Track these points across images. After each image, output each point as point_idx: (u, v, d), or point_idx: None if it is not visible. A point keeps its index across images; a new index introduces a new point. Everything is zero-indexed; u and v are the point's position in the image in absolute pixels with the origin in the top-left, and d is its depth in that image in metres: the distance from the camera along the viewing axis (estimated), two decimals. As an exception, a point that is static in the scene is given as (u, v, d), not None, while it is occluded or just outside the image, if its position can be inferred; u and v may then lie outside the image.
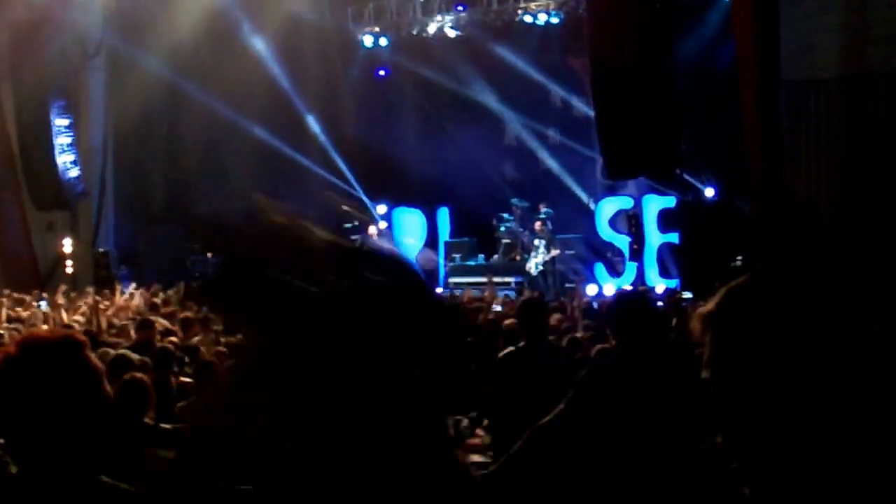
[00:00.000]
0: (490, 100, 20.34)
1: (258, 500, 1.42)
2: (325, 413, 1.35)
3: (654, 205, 17.43)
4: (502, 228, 19.33)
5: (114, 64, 19.65)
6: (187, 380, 6.77)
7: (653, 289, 15.43)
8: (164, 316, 10.49)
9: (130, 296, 14.00)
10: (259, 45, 19.33)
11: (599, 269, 18.14)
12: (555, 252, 17.80)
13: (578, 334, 8.26)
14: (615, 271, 17.99)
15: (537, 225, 18.14)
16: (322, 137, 20.40)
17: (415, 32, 20.32)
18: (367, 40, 20.79)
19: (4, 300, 13.33)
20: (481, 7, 19.55)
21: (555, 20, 18.92)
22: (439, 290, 18.49)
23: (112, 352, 6.50)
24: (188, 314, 10.34)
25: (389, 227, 20.07)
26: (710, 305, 1.41)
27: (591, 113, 16.66)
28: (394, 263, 1.51)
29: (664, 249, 17.01)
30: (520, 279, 17.80)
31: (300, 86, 19.79)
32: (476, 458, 5.75)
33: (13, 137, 19.42)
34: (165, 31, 18.42)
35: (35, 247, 19.59)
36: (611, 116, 15.43)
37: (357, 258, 1.52)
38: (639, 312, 4.57)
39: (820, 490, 1.30)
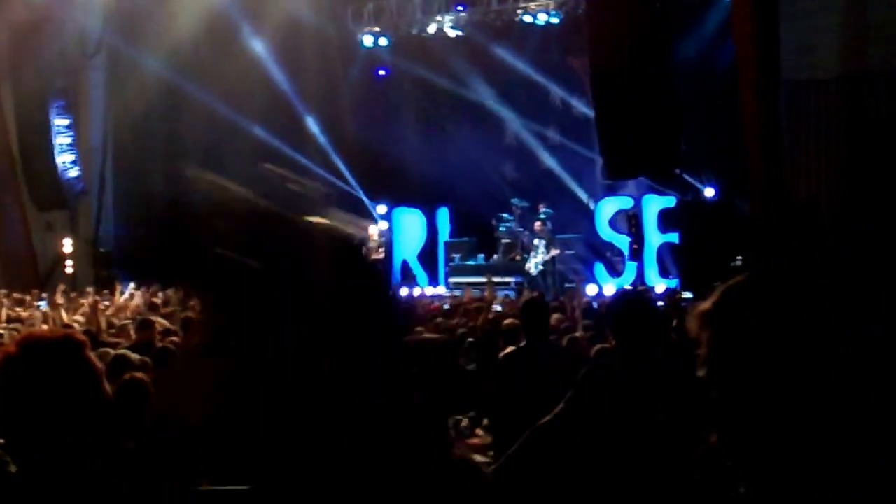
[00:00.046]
0: (490, 100, 20.33)
1: (256, 499, 1.42)
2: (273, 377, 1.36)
3: (654, 205, 17.44)
4: (502, 228, 19.33)
5: (114, 64, 19.66)
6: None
7: (652, 289, 15.43)
8: (164, 316, 10.49)
9: (130, 296, 14.00)
10: (259, 44, 19.32)
11: (599, 269, 18.15)
12: (555, 252, 17.80)
13: (578, 334, 8.26)
14: (615, 271, 18.00)
15: (537, 225, 18.14)
16: (322, 137, 20.39)
17: (414, 32, 20.31)
18: (367, 40, 20.78)
19: (4, 300, 13.34)
20: (481, 7, 19.54)
21: (555, 20, 18.91)
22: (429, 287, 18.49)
23: (112, 352, 6.50)
24: (188, 314, 10.34)
25: (389, 227, 20.09)
26: (707, 304, 1.42)
27: (591, 113, 16.66)
28: (316, 232, 1.52)
29: (664, 249, 17.01)
30: (520, 279, 17.80)
31: (300, 86, 19.79)
32: (476, 458, 5.75)
33: (13, 137, 19.42)
34: (165, 30, 18.42)
35: (35, 247, 19.60)
36: (610, 116, 15.43)
37: (279, 227, 1.52)
38: (638, 312, 4.57)
39: (819, 489, 1.30)
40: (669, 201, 16.78)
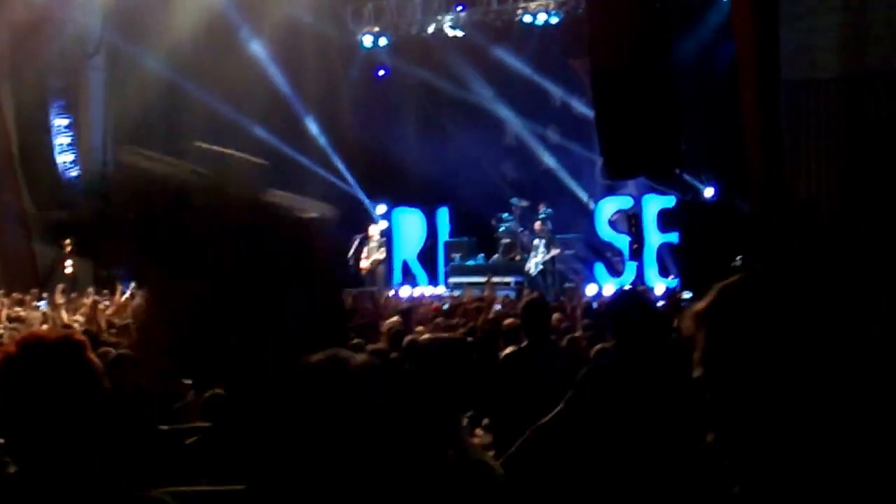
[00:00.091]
0: (490, 100, 20.32)
1: (252, 499, 1.43)
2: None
3: (654, 204, 17.44)
4: (502, 228, 19.33)
5: (113, 63, 19.65)
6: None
7: (652, 289, 15.43)
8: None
9: (131, 295, 14.00)
10: (259, 44, 19.33)
11: (599, 268, 18.15)
12: (554, 252, 17.81)
13: (577, 334, 8.26)
14: (615, 271, 18.00)
15: (537, 225, 18.15)
16: (322, 137, 20.39)
17: (414, 32, 20.31)
18: (367, 40, 20.77)
19: (4, 300, 13.33)
20: (481, 7, 19.54)
21: (554, 20, 18.91)
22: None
23: (113, 351, 6.50)
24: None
25: (389, 226, 20.09)
26: (702, 304, 1.42)
27: (591, 113, 16.66)
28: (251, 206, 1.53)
29: (664, 249, 17.01)
30: (519, 279, 17.80)
31: (300, 86, 19.78)
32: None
33: (13, 137, 19.41)
34: (165, 30, 18.42)
35: (35, 247, 19.59)
36: (610, 116, 15.42)
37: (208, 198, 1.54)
38: (637, 312, 4.58)
39: (818, 489, 1.30)
40: (669, 201, 16.79)
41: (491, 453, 5.67)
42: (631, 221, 17.45)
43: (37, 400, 2.07)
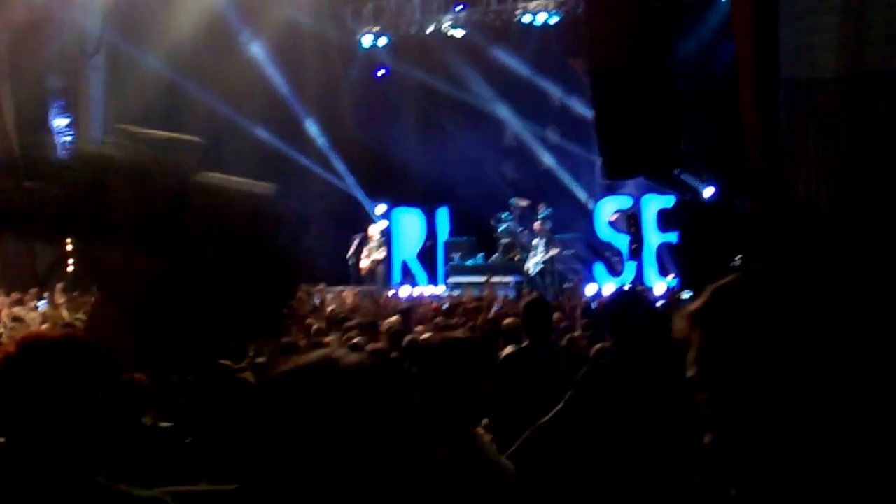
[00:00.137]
0: (489, 99, 20.33)
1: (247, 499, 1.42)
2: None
3: (654, 204, 17.45)
4: (501, 228, 19.33)
5: (113, 63, 19.65)
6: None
7: (651, 288, 15.44)
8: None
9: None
10: (258, 44, 19.33)
11: (598, 268, 18.15)
12: (554, 251, 17.81)
13: (577, 333, 8.26)
14: (614, 271, 18.00)
15: (536, 224, 18.16)
16: (322, 137, 20.39)
17: (414, 32, 20.31)
18: (366, 40, 20.77)
19: (5, 300, 13.33)
20: (480, 7, 19.55)
21: (554, 20, 18.91)
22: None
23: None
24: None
25: (389, 226, 20.10)
26: (696, 305, 1.41)
27: (591, 113, 16.66)
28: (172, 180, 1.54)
29: (663, 249, 17.01)
30: (519, 279, 17.80)
31: (299, 85, 19.79)
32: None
33: (13, 137, 19.40)
34: (165, 30, 18.42)
35: (35, 246, 19.57)
36: (610, 116, 15.41)
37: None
38: (636, 312, 4.58)
39: (817, 490, 1.29)
40: (669, 201, 16.79)
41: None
42: (630, 221, 17.46)
43: (37, 400, 2.07)
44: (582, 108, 18.67)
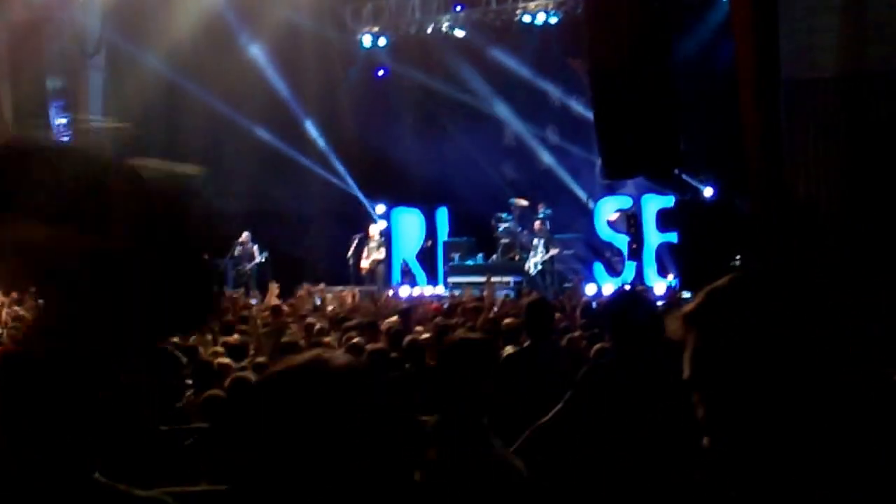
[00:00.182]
0: (489, 99, 20.33)
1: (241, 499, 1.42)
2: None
3: (653, 204, 17.45)
4: (501, 228, 19.33)
5: (113, 63, 19.64)
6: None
7: (651, 288, 15.44)
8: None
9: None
10: (258, 44, 19.33)
11: (598, 268, 18.16)
12: (553, 251, 17.82)
13: (576, 333, 8.26)
14: (614, 271, 18.01)
15: (536, 224, 18.16)
16: (321, 137, 20.39)
17: (413, 32, 20.31)
18: (366, 40, 20.78)
19: (4, 299, 13.32)
20: (480, 7, 19.55)
21: (553, 20, 18.92)
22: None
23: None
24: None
25: (389, 226, 20.10)
26: (691, 306, 1.41)
27: (590, 113, 16.67)
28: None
29: (663, 249, 17.01)
30: (519, 279, 17.81)
31: (299, 85, 19.79)
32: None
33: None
34: (165, 30, 18.42)
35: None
36: (610, 116, 15.42)
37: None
38: (636, 312, 4.57)
39: (816, 491, 1.29)
40: (668, 201, 16.79)
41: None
42: (630, 221, 17.46)
43: (37, 400, 2.07)
44: (582, 108, 18.68)
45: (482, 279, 16.22)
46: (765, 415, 1.31)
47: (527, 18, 19.15)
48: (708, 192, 16.81)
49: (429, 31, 20.09)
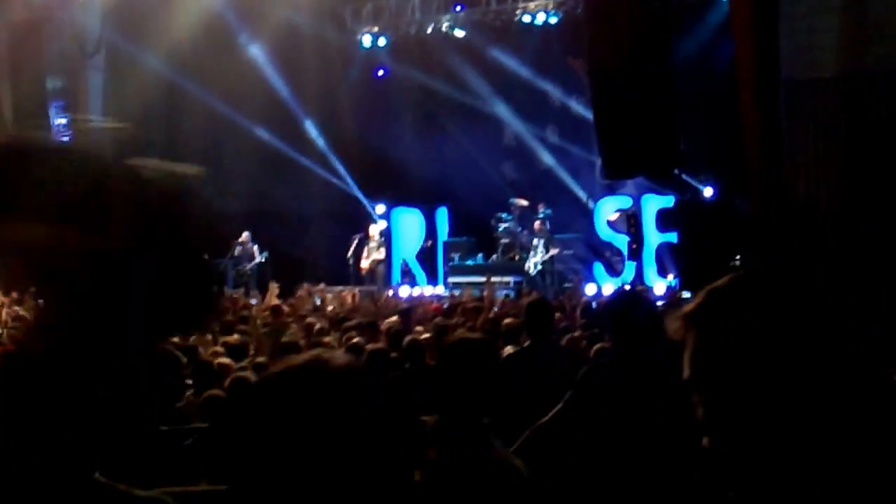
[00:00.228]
0: (489, 99, 20.33)
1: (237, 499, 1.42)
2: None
3: (653, 204, 17.45)
4: (501, 228, 19.33)
5: (113, 63, 19.65)
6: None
7: (651, 288, 15.44)
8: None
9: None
10: (258, 44, 19.33)
11: (598, 268, 18.16)
12: (553, 251, 17.82)
13: (576, 333, 8.26)
14: (614, 271, 18.01)
15: (536, 224, 18.16)
16: (321, 137, 20.40)
17: (413, 32, 20.31)
18: (366, 40, 20.78)
19: (4, 299, 13.32)
20: (480, 7, 19.55)
21: (553, 20, 18.92)
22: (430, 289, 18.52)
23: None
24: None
25: (389, 226, 20.10)
26: (691, 306, 1.41)
27: (590, 113, 16.66)
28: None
29: (663, 249, 17.02)
30: (519, 279, 17.81)
31: (299, 85, 19.79)
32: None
33: (12, 137, 19.40)
34: (165, 30, 18.42)
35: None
36: (609, 116, 15.42)
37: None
38: (635, 312, 4.57)
39: (816, 491, 1.29)
40: (668, 201, 16.79)
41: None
42: (630, 221, 17.46)
43: (37, 399, 2.07)
44: (582, 108, 18.68)
45: (482, 279, 16.22)
46: (765, 415, 1.31)
47: (527, 18, 19.15)
48: (708, 192, 16.81)
49: (429, 31, 20.09)
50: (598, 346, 6.58)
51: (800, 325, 1.32)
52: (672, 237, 16.20)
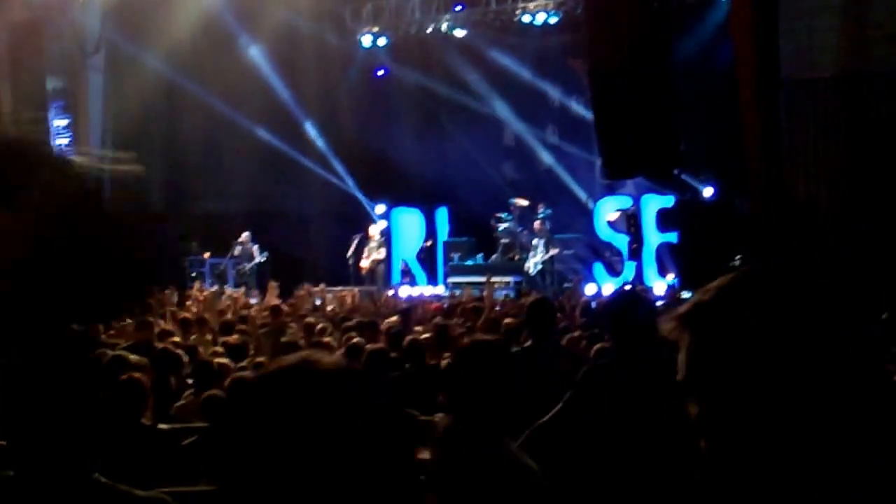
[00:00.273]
0: (489, 99, 20.33)
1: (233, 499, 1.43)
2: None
3: (653, 204, 17.45)
4: (501, 228, 19.33)
5: (113, 64, 19.64)
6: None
7: (651, 288, 15.44)
8: (160, 316, 10.48)
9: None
10: (258, 44, 19.33)
11: (598, 268, 18.16)
12: (553, 251, 17.82)
13: (576, 333, 8.26)
14: (614, 271, 18.01)
15: (536, 224, 18.17)
16: (321, 137, 20.40)
17: (413, 32, 20.31)
18: (366, 40, 20.77)
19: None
20: (480, 7, 19.54)
21: (553, 20, 18.92)
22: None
23: (110, 352, 6.49)
24: (186, 315, 10.36)
25: (389, 226, 20.10)
26: (686, 307, 1.40)
27: (590, 113, 16.66)
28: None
29: (663, 249, 17.02)
30: (519, 279, 17.81)
31: (299, 86, 19.79)
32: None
33: (12, 137, 19.39)
34: (164, 30, 18.42)
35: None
36: (609, 116, 15.42)
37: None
38: (635, 312, 4.57)
39: (816, 491, 1.29)
40: (668, 201, 16.79)
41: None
42: (630, 221, 17.46)
43: (37, 400, 2.07)
44: (582, 109, 18.67)
45: (482, 279, 16.21)
46: (763, 416, 1.31)
47: (527, 18, 19.15)
48: (708, 192, 16.81)
49: (429, 31, 20.08)
50: (598, 346, 6.58)
51: (799, 324, 1.31)
52: (672, 237, 16.20)
